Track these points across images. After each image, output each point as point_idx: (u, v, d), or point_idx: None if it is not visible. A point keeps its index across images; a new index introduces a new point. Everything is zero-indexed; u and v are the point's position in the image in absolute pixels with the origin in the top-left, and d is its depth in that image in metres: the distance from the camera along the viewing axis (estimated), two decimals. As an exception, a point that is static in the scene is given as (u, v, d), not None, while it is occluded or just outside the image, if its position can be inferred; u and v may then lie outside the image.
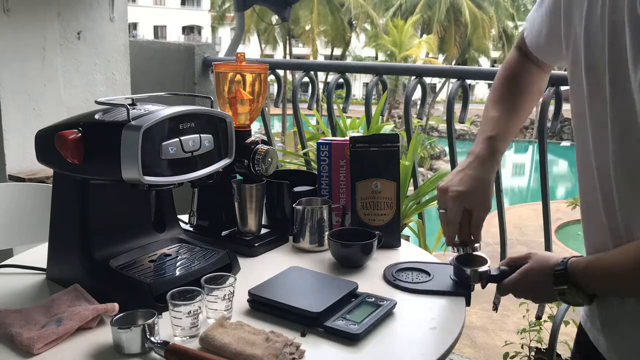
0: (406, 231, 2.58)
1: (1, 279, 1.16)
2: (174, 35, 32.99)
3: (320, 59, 26.76)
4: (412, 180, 2.30)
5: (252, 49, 27.22)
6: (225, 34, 30.42)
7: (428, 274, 1.16)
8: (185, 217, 1.24)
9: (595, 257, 0.89)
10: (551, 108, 1.88)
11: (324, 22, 25.26)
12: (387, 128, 2.68)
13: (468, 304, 1.06)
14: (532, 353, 2.73)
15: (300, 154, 2.65)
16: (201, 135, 1.06)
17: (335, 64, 3.10)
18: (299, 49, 32.03)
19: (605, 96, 0.80)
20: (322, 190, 1.41)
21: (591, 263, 0.89)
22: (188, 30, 35.83)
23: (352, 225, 1.34)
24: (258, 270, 1.19)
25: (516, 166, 22.91)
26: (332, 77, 2.48)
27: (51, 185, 1.14)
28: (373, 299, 1.02)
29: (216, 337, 0.88)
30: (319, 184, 1.42)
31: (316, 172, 1.45)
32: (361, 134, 2.20)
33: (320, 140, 1.43)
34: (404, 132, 2.34)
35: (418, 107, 2.23)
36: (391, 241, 1.32)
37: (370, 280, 1.14)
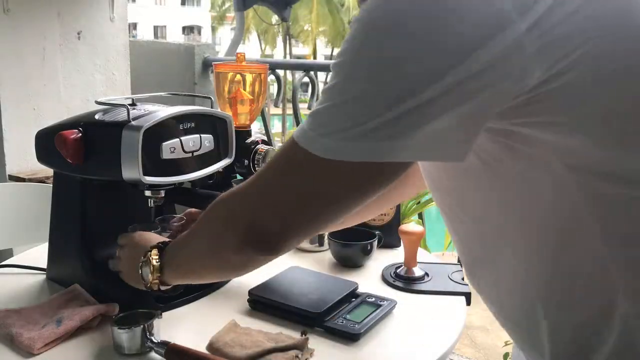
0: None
1: (1, 279, 1.16)
2: (174, 35, 32.98)
3: (320, 59, 26.76)
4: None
5: (252, 49, 27.21)
6: (225, 34, 30.41)
7: (428, 274, 1.16)
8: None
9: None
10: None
11: (324, 22, 25.26)
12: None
13: (468, 303, 1.06)
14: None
15: (300, 154, 2.64)
16: (201, 135, 1.06)
17: (335, 64, 3.10)
18: (299, 49, 32.02)
19: None
20: None
21: (177, 240, 0.88)
22: (188, 30, 35.82)
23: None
24: (258, 270, 1.19)
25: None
26: (332, 77, 2.47)
27: (51, 185, 1.14)
28: (373, 299, 1.02)
29: (227, 343, 0.87)
30: None
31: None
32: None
33: None
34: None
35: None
36: (391, 241, 1.32)
37: (370, 280, 1.14)
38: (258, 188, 0.70)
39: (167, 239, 0.91)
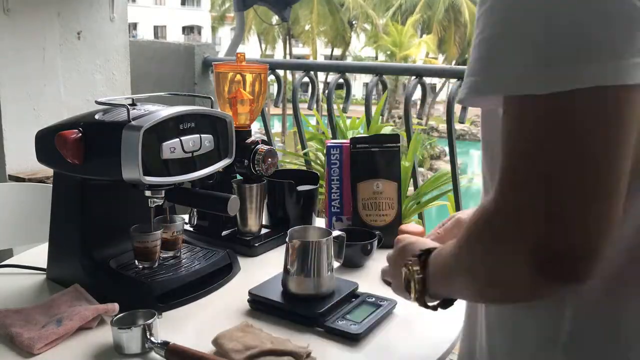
0: (406, 231, 2.57)
1: (1, 279, 1.16)
2: (174, 35, 32.97)
3: (320, 59, 26.76)
4: (412, 180, 2.30)
5: (252, 49, 27.21)
6: (225, 34, 30.40)
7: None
8: (185, 217, 1.24)
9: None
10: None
11: (324, 22, 25.26)
12: (387, 129, 2.67)
13: (468, 304, 1.06)
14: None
15: (300, 154, 2.65)
16: (201, 135, 1.06)
17: (335, 64, 3.10)
18: (299, 49, 32.03)
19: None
20: (332, 194, 1.40)
21: (441, 249, 0.71)
22: (188, 30, 35.82)
23: (354, 226, 1.34)
24: (258, 270, 1.19)
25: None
26: (332, 77, 2.48)
27: (51, 185, 1.14)
28: (373, 299, 1.02)
29: (232, 339, 0.87)
30: (328, 187, 1.40)
31: (316, 172, 1.44)
32: (362, 134, 2.20)
33: (329, 144, 1.41)
34: (404, 132, 2.33)
35: (418, 107, 2.23)
36: (391, 241, 1.32)
37: (370, 280, 1.14)
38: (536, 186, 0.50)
39: (433, 246, 0.75)
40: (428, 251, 0.72)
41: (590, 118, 0.49)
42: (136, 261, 1.09)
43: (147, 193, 1.05)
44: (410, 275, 0.73)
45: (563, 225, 0.49)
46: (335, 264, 1.06)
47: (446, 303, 0.76)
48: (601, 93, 0.48)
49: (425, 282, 0.72)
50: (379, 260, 1.24)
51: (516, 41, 0.51)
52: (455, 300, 0.76)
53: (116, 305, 0.96)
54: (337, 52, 28.12)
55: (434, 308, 0.77)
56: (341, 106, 2.41)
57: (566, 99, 0.48)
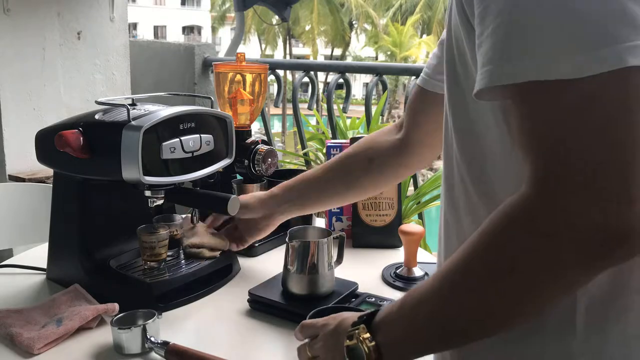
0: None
1: (1, 279, 1.16)
2: (174, 35, 32.96)
3: (320, 59, 26.76)
4: (412, 180, 2.30)
5: (252, 49, 27.21)
6: (226, 34, 30.41)
7: (428, 274, 1.16)
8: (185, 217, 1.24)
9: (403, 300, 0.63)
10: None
11: (324, 22, 25.26)
12: (387, 129, 2.67)
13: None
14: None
15: (300, 154, 2.64)
16: (201, 135, 1.06)
17: (335, 64, 3.10)
18: (299, 49, 32.02)
19: (446, 92, 0.69)
20: None
21: (398, 303, 0.63)
22: (188, 30, 35.81)
23: (354, 226, 1.34)
24: (258, 270, 1.19)
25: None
26: (332, 77, 2.47)
27: (51, 185, 1.14)
28: (373, 299, 1.02)
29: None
30: None
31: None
32: (362, 134, 2.20)
33: (329, 144, 1.41)
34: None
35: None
36: (392, 241, 1.32)
37: (370, 280, 1.14)
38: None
39: (365, 311, 0.67)
40: (372, 314, 0.64)
41: (622, 99, 0.48)
42: (143, 261, 1.08)
43: (147, 193, 1.05)
44: (360, 344, 0.62)
45: (615, 204, 0.48)
46: (335, 264, 1.06)
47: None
48: (629, 74, 0.47)
49: (379, 349, 0.62)
50: (378, 260, 1.24)
51: (542, 26, 0.49)
52: None
53: (116, 305, 0.96)
54: (337, 52, 28.12)
55: None
56: (341, 106, 2.41)
57: (597, 81, 0.47)
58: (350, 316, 0.69)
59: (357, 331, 0.63)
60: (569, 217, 0.49)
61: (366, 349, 0.62)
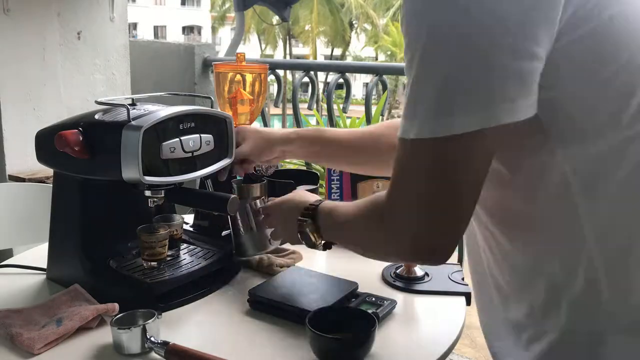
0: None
1: (1, 279, 1.16)
2: (174, 35, 32.96)
3: (320, 59, 26.76)
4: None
5: (252, 49, 27.21)
6: (226, 34, 30.40)
7: (428, 274, 1.16)
8: (185, 217, 1.24)
9: (342, 204, 0.92)
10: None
11: (324, 22, 25.26)
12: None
13: (468, 303, 1.06)
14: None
15: (300, 154, 2.64)
16: (201, 135, 1.06)
17: (335, 64, 3.10)
18: (299, 49, 32.02)
19: None
20: (332, 194, 1.40)
21: (336, 207, 0.92)
22: (188, 30, 35.82)
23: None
24: (258, 270, 1.19)
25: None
26: (332, 77, 2.48)
27: (51, 185, 1.14)
28: (373, 299, 1.02)
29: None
30: (328, 187, 1.40)
31: (316, 172, 1.44)
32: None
33: None
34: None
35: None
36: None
37: (370, 280, 1.14)
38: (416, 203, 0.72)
39: (319, 199, 0.97)
40: (317, 203, 0.94)
41: (460, 156, 0.68)
42: (143, 261, 1.08)
43: (147, 193, 1.05)
44: (306, 226, 0.92)
45: (424, 230, 0.72)
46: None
47: (327, 245, 0.96)
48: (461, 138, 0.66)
49: (319, 231, 0.92)
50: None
51: (420, 94, 0.69)
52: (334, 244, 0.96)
53: (116, 305, 0.96)
54: (337, 52, 28.12)
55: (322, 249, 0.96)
56: (341, 106, 2.42)
57: (444, 141, 0.66)
58: (304, 201, 0.98)
59: (306, 220, 0.93)
60: (397, 232, 0.75)
61: (310, 230, 0.93)
